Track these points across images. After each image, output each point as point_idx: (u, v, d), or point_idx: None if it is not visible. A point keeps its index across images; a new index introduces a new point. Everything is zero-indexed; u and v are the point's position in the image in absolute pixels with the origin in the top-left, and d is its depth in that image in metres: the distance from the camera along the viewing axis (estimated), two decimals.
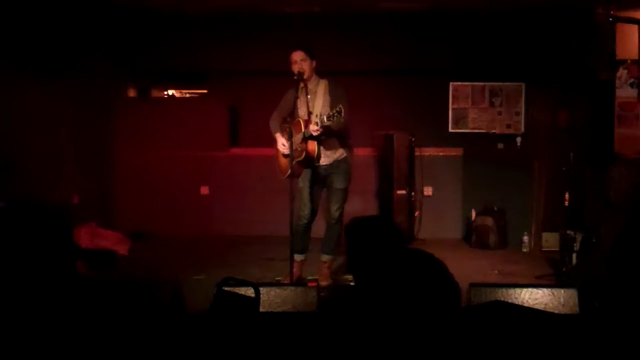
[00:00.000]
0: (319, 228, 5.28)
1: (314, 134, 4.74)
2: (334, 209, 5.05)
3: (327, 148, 4.95)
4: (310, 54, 4.91)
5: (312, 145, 4.87)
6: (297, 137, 4.85)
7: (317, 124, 4.71)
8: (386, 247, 2.48)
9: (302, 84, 4.91)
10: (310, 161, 4.93)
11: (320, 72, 5.03)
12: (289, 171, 4.81)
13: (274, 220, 6.70)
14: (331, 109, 4.69)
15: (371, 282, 2.36)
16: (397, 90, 7.23)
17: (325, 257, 5.16)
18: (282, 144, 4.99)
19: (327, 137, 4.87)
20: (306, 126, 4.82)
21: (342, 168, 5.04)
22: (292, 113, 4.91)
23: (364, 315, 2.10)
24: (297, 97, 4.94)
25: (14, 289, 3.41)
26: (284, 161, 5.05)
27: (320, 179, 5.05)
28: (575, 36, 6.69)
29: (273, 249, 6.17)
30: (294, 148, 4.79)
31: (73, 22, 6.53)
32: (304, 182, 5.04)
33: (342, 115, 4.49)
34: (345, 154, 5.04)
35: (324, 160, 4.97)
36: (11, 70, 5.70)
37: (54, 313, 2.79)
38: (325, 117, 4.64)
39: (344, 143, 5.03)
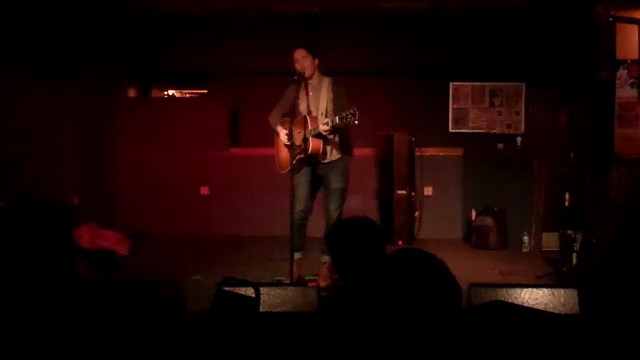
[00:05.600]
0: (317, 228, 5.27)
1: (323, 132, 4.74)
2: (333, 209, 5.03)
3: (329, 147, 4.96)
4: (312, 52, 4.94)
5: (317, 143, 4.87)
6: (300, 134, 4.86)
7: (327, 123, 4.70)
8: (367, 249, 2.48)
9: (302, 82, 4.92)
10: (313, 159, 4.93)
11: (321, 72, 5.04)
12: (290, 167, 4.82)
13: (274, 220, 6.71)
14: (334, 107, 4.69)
15: (361, 285, 2.36)
16: (397, 90, 7.22)
17: (325, 258, 5.15)
18: (285, 134, 4.95)
19: (331, 136, 4.88)
20: (313, 122, 4.83)
21: (340, 168, 5.04)
22: (293, 110, 4.90)
23: (364, 315, 2.10)
24: (297, 97, 4.96)
25: (13, 289, 3.41)
26: (284, 155, 5.05)
27: (317, 177, 5.06)
28: (575, 36, 6.69)
29: (273, 249, 6.17)
30: (297, 144, 4.81)
31: (73, 23, 6.54)
32: (302, 178, 5.02)
33: (356, 117, 4.47)
34: (343, 155, 5.04)
35: (324, 159, 4.98)
36: (12, 71, 5.71)
37: (54, 313, 2.79)
38: (337, 118, 4.59)
39: (343, 144, 5.03)
